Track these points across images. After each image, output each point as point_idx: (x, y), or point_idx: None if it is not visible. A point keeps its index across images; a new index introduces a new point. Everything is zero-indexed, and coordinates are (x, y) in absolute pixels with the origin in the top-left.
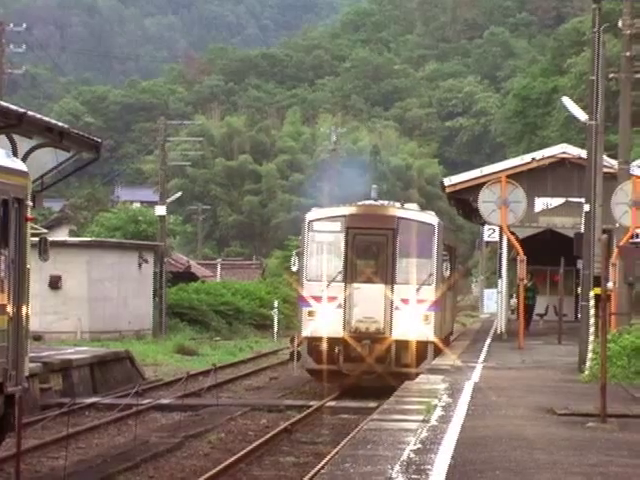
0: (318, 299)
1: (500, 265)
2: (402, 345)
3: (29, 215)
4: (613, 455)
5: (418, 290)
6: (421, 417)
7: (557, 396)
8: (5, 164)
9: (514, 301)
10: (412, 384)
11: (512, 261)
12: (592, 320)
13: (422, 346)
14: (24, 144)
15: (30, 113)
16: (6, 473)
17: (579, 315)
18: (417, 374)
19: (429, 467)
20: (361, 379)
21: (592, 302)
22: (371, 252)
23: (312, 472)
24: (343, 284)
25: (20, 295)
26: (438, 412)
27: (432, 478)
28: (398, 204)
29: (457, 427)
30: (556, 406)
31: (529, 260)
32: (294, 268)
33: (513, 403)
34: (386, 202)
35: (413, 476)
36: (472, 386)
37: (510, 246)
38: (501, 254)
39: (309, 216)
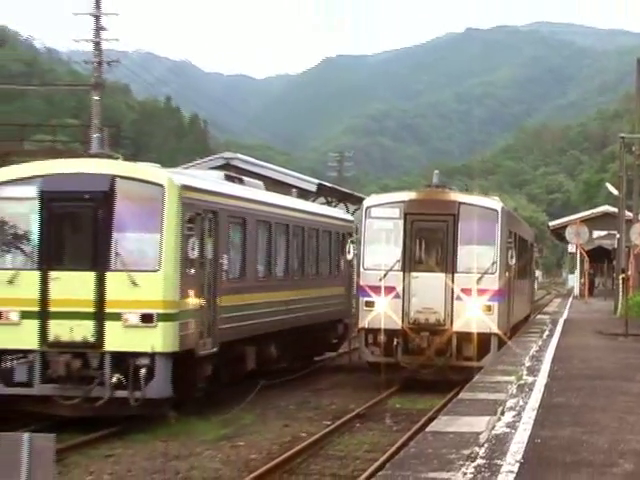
0: (376, 289)
1: (575, 263)
2: (463, 337)
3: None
4: (632, 354)
5: (480, 279)
6: (538, 335)
7: (603, 325)
8: (343, 216)
9: (582, 280)
10: (532, 318)
11: (582, 261)
12: (621, 289)
13: (485, 338)
14: (351, 207)
15: (356, 194)
16: (348, 359)
17: (614, 287)
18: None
19: (543, 357)
20: (419, 373)
21: (621, 281)
22: (431, 239)
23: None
24: (401, 273)
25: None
26: (546, 332)
27: (544, 363)
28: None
29: (556, 340)
30: (603, 330)
31: (591, 260)
32: (349, 256)
33: (582, 328)
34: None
35: (535, 362)
36: (563, 320)
37: (581, 254)
38: (576, 258)
39: (367, 202)
